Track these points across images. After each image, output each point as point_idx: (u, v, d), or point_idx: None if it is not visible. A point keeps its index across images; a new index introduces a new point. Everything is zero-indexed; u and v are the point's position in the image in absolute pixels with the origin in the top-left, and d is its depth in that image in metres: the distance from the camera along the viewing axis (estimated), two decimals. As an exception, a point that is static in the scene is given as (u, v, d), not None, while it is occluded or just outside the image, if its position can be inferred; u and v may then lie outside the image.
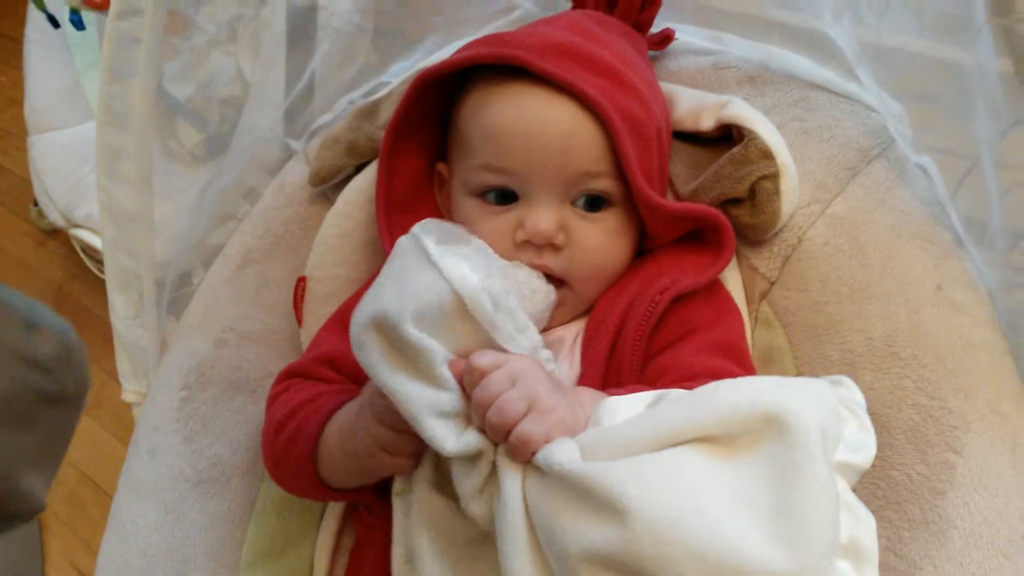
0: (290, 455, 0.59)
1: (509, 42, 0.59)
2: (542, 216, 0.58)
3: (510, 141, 0.58)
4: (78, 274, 1.62)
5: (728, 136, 0.66)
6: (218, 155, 0.95)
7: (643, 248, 0.65)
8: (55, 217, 1.46)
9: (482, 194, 0.61)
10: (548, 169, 0.58)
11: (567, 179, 0.59)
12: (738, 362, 0.59)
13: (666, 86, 0.70)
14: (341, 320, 0.68)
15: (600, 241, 0.60)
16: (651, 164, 0.60)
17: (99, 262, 1.39)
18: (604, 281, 0.62)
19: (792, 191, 0.62)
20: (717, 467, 0.42)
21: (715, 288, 0.63)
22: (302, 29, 0.91)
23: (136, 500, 0.70)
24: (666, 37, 0.74)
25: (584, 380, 0.59)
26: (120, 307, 0.76)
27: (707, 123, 0.67)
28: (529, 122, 0.58)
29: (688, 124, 0.68)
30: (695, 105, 0.68)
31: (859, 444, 0.46)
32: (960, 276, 0.59)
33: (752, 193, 0.62)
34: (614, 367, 0.58)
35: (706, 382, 0.47)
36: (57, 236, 1.69)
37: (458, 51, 0.63)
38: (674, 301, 0.59)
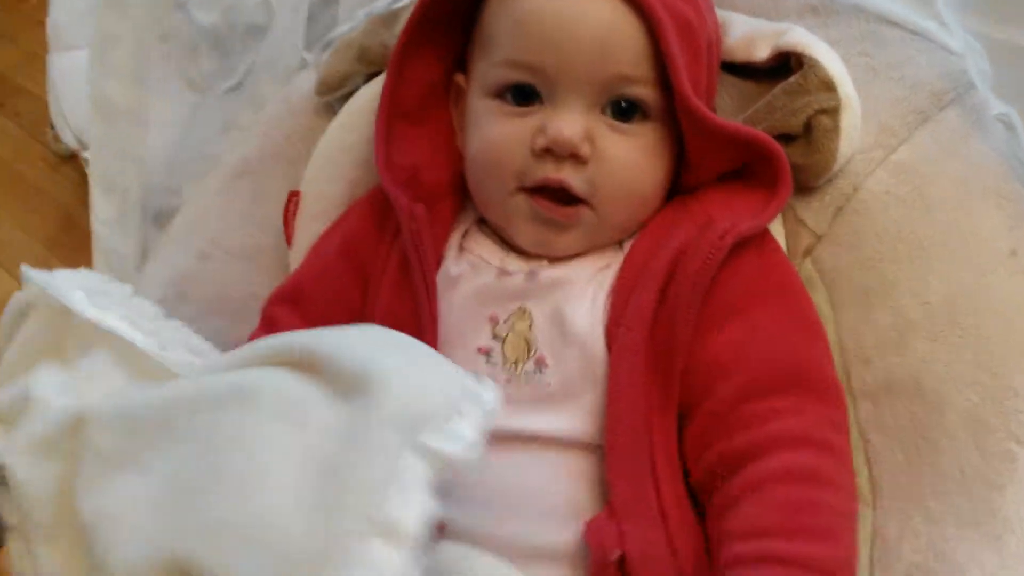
0: None
1: None
2: (567, 121, 0.51)
3: (539, 32, 0.51)
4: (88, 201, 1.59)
5: (786, 69, 0.58)
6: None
7: (680, 187, 0.58)
8: (69, 139, 1.42)
9: (501, 94, 0.54)
10: (580, 67, 0.51)
11: (601, 81, 0.51)
12: (812, 338, 0.52)
13: (719, 13, 0.62)
14: (313, 256, 0.62)
15: (631, 157, 0.53)
16: (700, 76, 0.53)
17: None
18: (632, 208, 0.55)
19: (853, 129, 0.54)
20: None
21: (766, 240, 0.55)
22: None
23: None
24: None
25: (623, 335, 0.51)
26: (101, 209, 0.72)
27: (762, 52, 0.59)
28: (563, 11, 0.51)
29: (740, 53, 0.60)
30: (750, 32, 0.60)
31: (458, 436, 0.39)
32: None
33: (807, 129, 0.54)
34: (663, 327, 0.50)
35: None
36: (72, 161, 1.65)
37: None
38: (735, 246, 0.51)
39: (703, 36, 0.54)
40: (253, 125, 0.75)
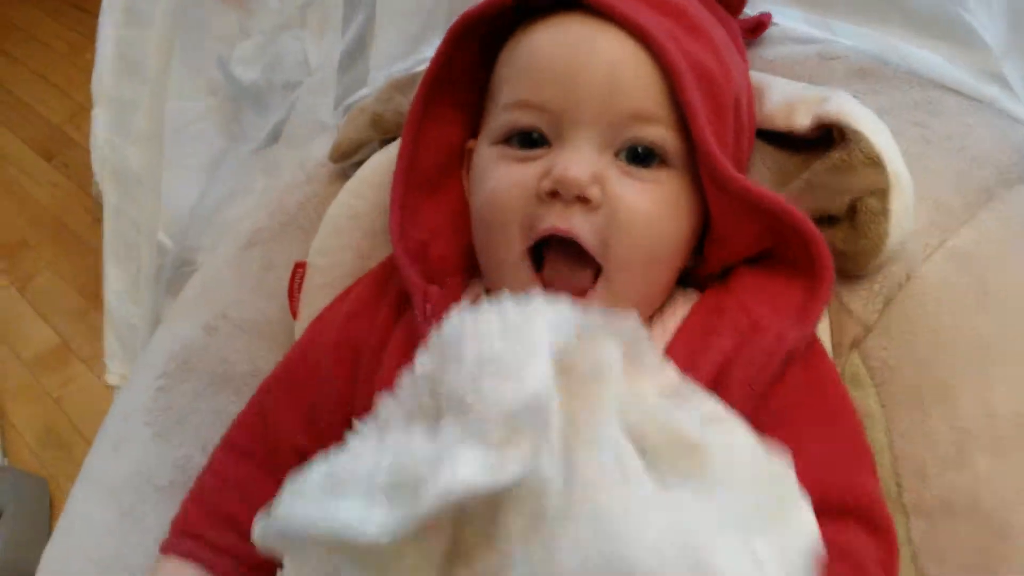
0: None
1: None
2: (574, 160, 0.46)
3: (547, 69, 0.48)
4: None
5: (828, 140, 0.52)
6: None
7: (708, 267, 0.53)
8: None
9: (508, 139, 0.49)
10: (588, 103, 0.47)
11: (611, 120, 0.47)
12: (865, 466, 0.46)
13: (756, 75, 0.57)
14: (305, 344, 0.58)
15: (647, 205, 0.47)
16: (724, 133, 0.48)
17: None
18: (649, 273, 0.49)
19: (904, 212, 0.49)
20: None
21: (812, 342, 0.49)
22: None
23: (92, 497, 0.61)
24: (761, 23, 0.61)
25: None
26: (114, 278, 0.69)
27: (803, 120, 0.53)
28: (571, 49, 0.47)
29: (779, 121, 0.55)
30: (789, 97, 0.55)
31: None
32: None
33: (852, 211, 0.49)
34: None
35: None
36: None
37: None
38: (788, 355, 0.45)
39: (728, 92, 0.49)
40: (268, 191, 0.72)
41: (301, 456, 0.51)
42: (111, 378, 0.71)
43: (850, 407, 0.48)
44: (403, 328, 0.54)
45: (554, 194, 0.47)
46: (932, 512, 0.45)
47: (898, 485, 0.47)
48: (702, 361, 0.46)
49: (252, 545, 0.37)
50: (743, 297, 0.49)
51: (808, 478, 0.40)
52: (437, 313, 0.51)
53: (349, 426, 0.48)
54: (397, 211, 0.55)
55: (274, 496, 0.36)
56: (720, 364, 0.46)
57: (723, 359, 0.46)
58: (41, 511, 1.31)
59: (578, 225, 0.47)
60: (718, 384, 0.45)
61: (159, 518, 0.60)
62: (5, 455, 1.38)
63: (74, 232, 1.70)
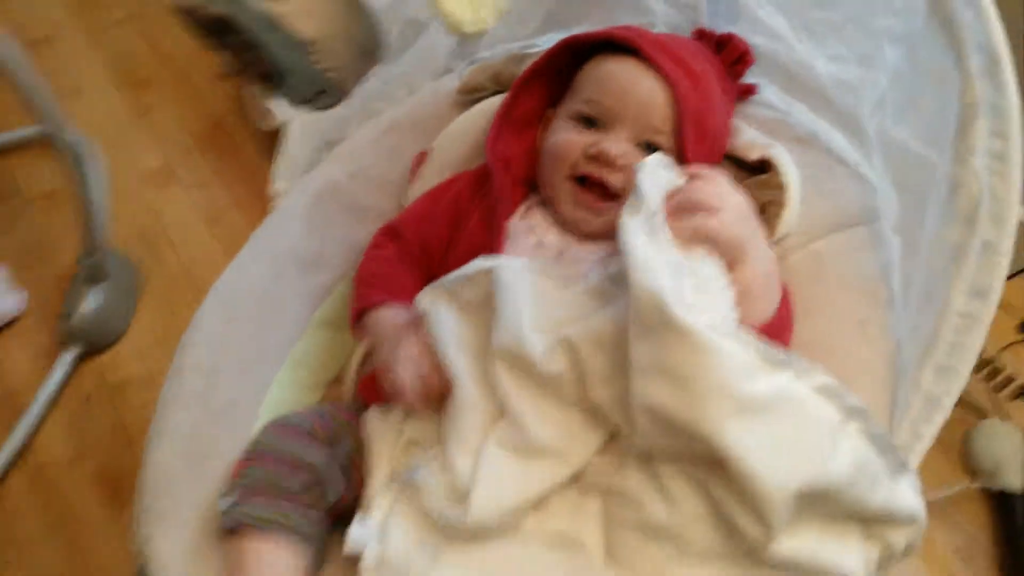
0: (354, 299, 0.85)
1: (634, 31, 0.83)
2: (614, 142, 0.81)
3: (611, 86, 0.82)
4: (240, 116, 1.90)
5: (763, 169, 0.87)
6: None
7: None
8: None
9: (576, 118, 0.83)
10: (629, 112, 0.81)
11: (639, 126, 0.81)
12: None
13: (737, 121, 0.92)
14: (427, 202, 0.92)
15: None
16: (701, 150, 0.82)
17: (261, 115, 1.67)
18: None
19: (790, 219, 0.84)
20: None
21: None
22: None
23: (257, 253, 0.93)
24: (749, 90, 0.96)
25: None
26: (295, 127, 1.03)
27: (754, 155, 0.88)
28: (628, 79, 0.81)
29: (739, 152, 0.90)
30: (750, 140, 0.90)
31: None
32: (879, 321, 0.79)
33: (762, 210, 0.83)
34: None
35: None
36: (235, 79, 1.97)
37: (599, 30, 0.86)
38: None
39: (711, 127, 0.84)
40: (406, 100, 1.06)
41: (420, 266, 0.85)
42: (274, 188, 1.05)
43: None
44: (480, 208, 0.88)
45: (595, 157, 0.81)
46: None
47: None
48: None
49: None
50: None
51: None
52: (505, 197, 0.85)
53: (444, 257, 0.84)
54: (494, 135, 0.89)
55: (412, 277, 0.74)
56: None
57: None
58: (130, 286, 1.61)
59: (605, 176, 0.81)
60: None
61: (292, 280, 0.93)
62: (108, 238, 1.68)
63: (197, 86, 1.98)
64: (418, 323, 0.75)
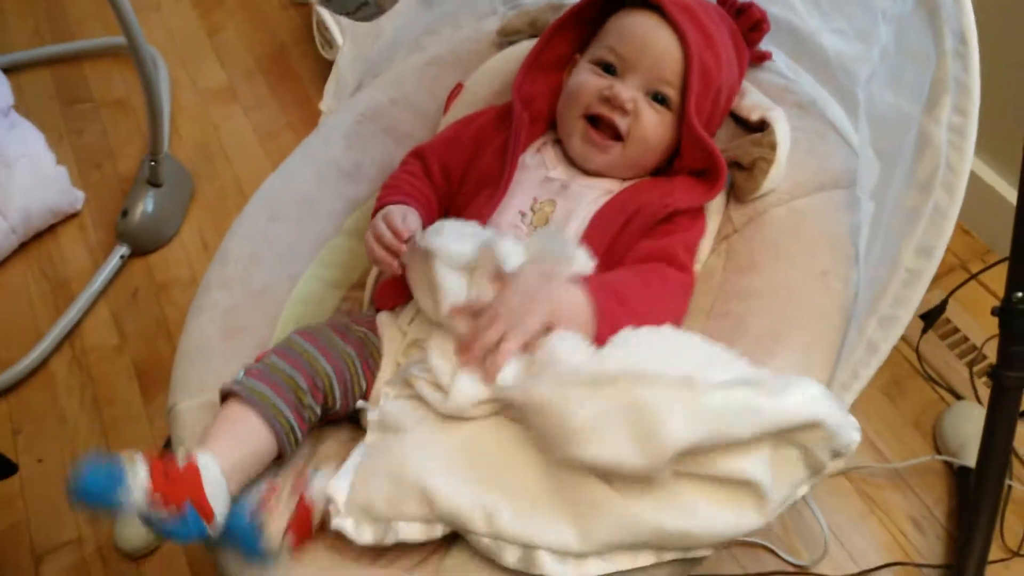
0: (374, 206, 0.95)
1: None
2: (626, 88, 0.89)
3: (631, 37, 0.90)
4: (302, 44, 2.01)
5: (761, 127, 0.96)
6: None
7: (673, 168, 0.96)
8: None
9: (596, 63, 0.93)
10: (644, 63, 0.89)
11: (651, 76, 0.89)
12: (682, 254, 0.89)
13: (746, 83, 1.00)
14: (453, 130, 1.02)
15: (653, 122, 0.89)
16: (704, 104, 0.90)
17: (327, 42, 1.78)
18: (643, 153, 0.91)
19: (776, 176, 0.92)
20: None
21: (700, 213, 0.94)
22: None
23: (303, 161, 1.05)
24: (763, 56, 1.04)
25: (588, 239, 0.87)
26: (346, 53, 1.13)
27: (755, 116, 0.97)
28: (647, 32, 0.89)
29: (743, 112, 0.98)
30: (754, 102, 0.98)
31: None
32: (841, 274, 0.88)
33: (752, 165, 0.92)
34: (619, 243, 0.89)
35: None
36: (301, 8, 2.08)
37: None
38: (672, 212, 0.90)
39: (717, 84, 0.92)
40: (450, 38, 1.16)
41: (439, 186, 0.96)
42: (322, 105, 1.16)
43: (697, 239, 0.92)
44: (498, 140, 0.98)
45: (608, 100, 0.90)
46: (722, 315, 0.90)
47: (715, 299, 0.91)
48: (633, 200, 0.90)
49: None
50: (677, 182, 0.93)
51: (644, 249, 0.85)
52: (522, 130, 0.95)
53: (460, 182, 0.94)
54: (522, 75, 0.99)
55: (428, 191, 0.85)
56: (642, 202, 0.89)
57: (645, 201, 0.90)
58: (186, 193, 1.75)
59: (618, 119, 0.90)
60: (634, 215, 0.88)
61: (333, 184, 1.05)
62: (169, 147, 1.84)
63: (264, 12, 2.09)
64: (405, 212, 0.86)
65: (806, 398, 0.67)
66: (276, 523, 0.70)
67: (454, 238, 0.77)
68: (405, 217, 0.86)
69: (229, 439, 0.72)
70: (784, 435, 0.68)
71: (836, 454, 0.71)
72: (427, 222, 0.90)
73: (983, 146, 1.52)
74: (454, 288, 0.78)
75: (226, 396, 0.76)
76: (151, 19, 2.08)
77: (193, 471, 0.66)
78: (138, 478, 0.63)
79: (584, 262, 0.80)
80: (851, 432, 0.69)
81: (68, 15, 2.12)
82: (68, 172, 1.75)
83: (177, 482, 0.64)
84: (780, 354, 0.82)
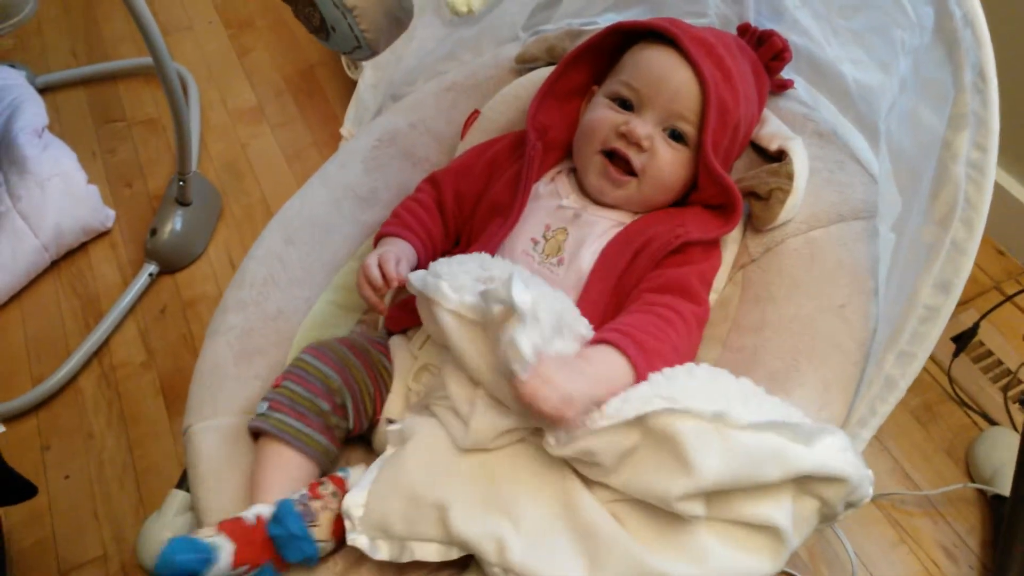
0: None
1: (677, 24, 0.90)
2: (642, 124, 0.89)
3: (648, 73, 0.89)
4: (330, 65, 2.03)
5: (779, 157, 0.95)
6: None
7: (687, 201, 0.95)
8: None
9: (613, 98, 0.92)
10: (660, 99, 0.88)
11: (667, 112, 0.88)
12: (697, 285, 0.88)
13: (767, 112, 0.99)
14: (469, 157, 1.02)
15: (669, 159, 0.88)
16: (722, 139, 0.89)
17: (353, 63, 1.79)
18: (660, 191, 0.91)
19: (793, 207, 0.91)
20: None
21: (714, 245, 0.93)
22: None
23: (320, 186, 1.06)
24: (785, 85, 1.03)
25: (599, 270, 0.86)
26: (368, 77, 1.14)
27: (774, 146, 0.96)
28: (663, 67, 0.88)
29: (762, 141, 0.97)
30: (773, 131, 0.97)
31: None
32: (859, 307, 0.86)
33: (768, 195, 0.91)
34: (630, 274, 0.87)
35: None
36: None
37: (644, 20, 0.94)
38: (683, 244, 0.89)
39: (734, 119, 0.90)
40: (469, 63, 1.17)
41: (450, 215, 0.97)
42: (344, 130, 1.18)
43: (712, 272, 0.90)
44: (512, 169, 0.98)
45: (624, 135, 0.89)
46: (737, 348, 0.88)
47: (728, 334, 0.90)
48: (643, 233, 0.88)
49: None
50: (691, 214, 0.92)
51: (658, 279, 0.83)
52: (535, 159, 0.95)
53: (477, 205, 0.94)
54: (536, 104, 0.99)
55: (434, 223, 0.86)
56: (653, 234, 0.88)
57: (655, 233, 0.88)
58: (214, 211, 1.77)
59: (633, 155, 0.90)
60: (643, 247, 0.87)
61: (348, 210, 1.05)
62: (198, 166, 1.86)
63: (295, 32, 2.14)
64: (399, 255, 0.87)
65: (834, 450, 0.66)
66: (324, 514, 0.75)
67: (453, 288, 0.74)
68: (399, 262, 0.86)
69: (278, 483, 0.78)
70: (805, 484, 0.67)
71: (849, 505, 0.70)
72: (426, 255, 0.91)
73: (1020, 167, 1.50)
74: (470, 351, 0.75)
75: (257, 432, 0.81)
76: (184, 40, 2.12)
77: (264, 530, 0.74)
78: (224, 552, 0.71)
79: (583, 331, 0.76)
80: (868, 487, 0.68)
81: (103, 36, 2.17)
82: (100, 191, 1.78)
83: (255, 545, 0.72)
84: (796, 390, 0.81)
